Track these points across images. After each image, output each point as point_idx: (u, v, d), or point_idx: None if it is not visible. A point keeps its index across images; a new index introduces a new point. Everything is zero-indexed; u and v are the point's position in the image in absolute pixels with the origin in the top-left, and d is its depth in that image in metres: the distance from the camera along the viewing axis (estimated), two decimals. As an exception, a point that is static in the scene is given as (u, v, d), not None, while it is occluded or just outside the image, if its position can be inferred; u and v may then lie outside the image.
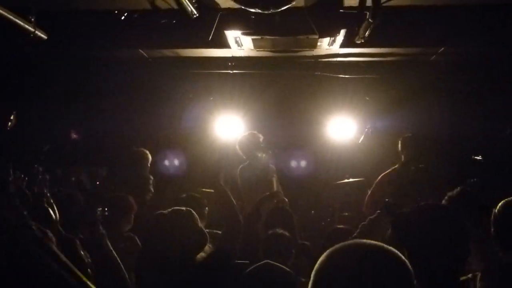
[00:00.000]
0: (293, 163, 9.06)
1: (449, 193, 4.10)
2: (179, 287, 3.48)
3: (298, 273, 4.59)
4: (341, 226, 4.89)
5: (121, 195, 5.64)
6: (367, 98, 8.89)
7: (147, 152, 7.66)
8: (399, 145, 6.70)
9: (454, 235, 2.56)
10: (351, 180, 8.47)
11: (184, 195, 6.06)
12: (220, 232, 4.90)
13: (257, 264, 3.16)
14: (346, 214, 8.31)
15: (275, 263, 3.15)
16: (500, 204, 3.26)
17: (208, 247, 4.02)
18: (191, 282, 3.50)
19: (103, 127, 9.00)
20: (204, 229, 3.89)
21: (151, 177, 7.55)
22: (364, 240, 1.74)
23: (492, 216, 3.23)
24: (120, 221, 5.26)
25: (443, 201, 4.07)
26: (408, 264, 1.65)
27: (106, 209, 4.62)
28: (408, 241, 2.47)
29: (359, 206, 8.04)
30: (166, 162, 9.04)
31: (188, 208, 3.80)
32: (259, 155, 7.33)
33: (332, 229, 4.75)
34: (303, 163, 9.20)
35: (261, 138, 7.38)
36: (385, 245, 1.68)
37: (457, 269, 2.57)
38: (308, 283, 1.69)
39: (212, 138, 8.93)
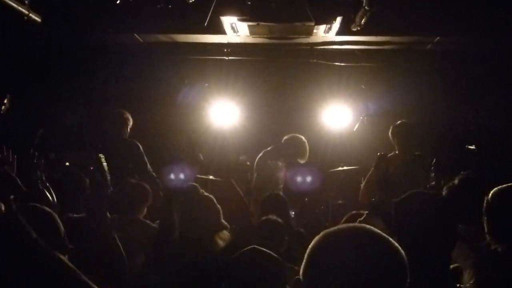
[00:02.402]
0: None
1: (452, 181, 4.11)
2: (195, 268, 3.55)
3: (293, 261, 4.61)
4: (356, 212, 4.85)
5: (138, 182, 5.64)
6: (363, 86, 8.87)
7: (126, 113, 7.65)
8: (390, 133, 6.72)
9: (441, 222, 2.57)
10: (345, 168, 8.46)
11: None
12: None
13: (244, 249, 3.16)
14: (340, 202, 8.31)
15: (262, 248, 3.15)
16: (492, 192, 3.25)
17: (227, 236, 4.11)
18: (207, 264, 3.57)
19: (97, 112, 8.95)
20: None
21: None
22: (360, 224, 1.72)
23: (484, 204, 3.23)
24: (138, 208, 5.28)
25: (445, 188, 4.08)
26: (403, 252, 1.63)
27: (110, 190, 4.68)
28: (397, 230, 2.47)
29: (353, 194, 8.06)
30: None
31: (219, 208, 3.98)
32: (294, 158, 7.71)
33: (350, 215, 4.73)
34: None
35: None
36: (380, 232, 1.65)
37: (446, 256, 2.57)
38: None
39: (207, 124, 8.92)
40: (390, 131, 6.71)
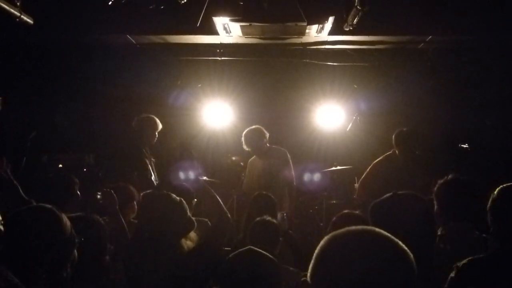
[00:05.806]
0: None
1: (440, 181, 4.11)
2: (164, 270, 3.53)
3: (282, 262, 4.60)
4: (348, 211, 4.85)
5: (121, 185, 5.64)
6: (355, 86, 8.88)
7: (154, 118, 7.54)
8: (394, 141, 6.72)
9: (420, 221, 2.60)
10: (339, 168, 8.47)
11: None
12: (206, 219, 4.98)
13: (240, 250, 3.15)
14: (334, 201, 8.33)
15: (258, 249, 3.14)
16: (497, 190, 3.22)
17: (195, 236, 4.07)
18: (177, 267, 3.55)
19: (90, 113, 8.94)
20: (192, 217, 3.99)
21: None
22: (368, 227, 1.72)
23: (490, 203, 3.20)
24: (123, 210, 5.27)
25: (435, 188, 4.08)
26: (411, 254, 1.62)
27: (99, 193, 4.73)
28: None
29: (347, 193, 8.08)
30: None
31: (180, 198, 3.94)
32: (261, 149, 7.62)
33: (340, 214, 4.72)
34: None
35: (266, 134, 7.61)
36: (388, 234, 1.65)
37: (426, 256, 2.58)
38: (294, 272, 1.67)
39: (200, 125, 8.92)
40: (394, 138, 6.71)
